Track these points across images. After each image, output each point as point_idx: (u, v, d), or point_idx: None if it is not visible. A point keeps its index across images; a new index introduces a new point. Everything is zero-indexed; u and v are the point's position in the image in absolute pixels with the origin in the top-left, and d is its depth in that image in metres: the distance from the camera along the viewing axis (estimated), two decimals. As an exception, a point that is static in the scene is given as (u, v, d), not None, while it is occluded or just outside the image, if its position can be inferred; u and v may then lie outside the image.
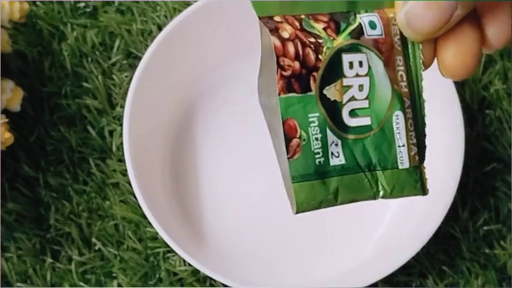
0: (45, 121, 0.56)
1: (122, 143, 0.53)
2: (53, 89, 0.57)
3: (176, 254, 0.52)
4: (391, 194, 0.33)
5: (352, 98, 0.32)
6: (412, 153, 0.33)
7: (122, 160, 0.55)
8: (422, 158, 0.33)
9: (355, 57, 0.32)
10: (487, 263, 0.54)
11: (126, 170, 0.51)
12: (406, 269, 0.52)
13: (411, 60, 0.33)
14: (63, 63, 0.57)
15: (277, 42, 0.31)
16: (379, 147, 0.32)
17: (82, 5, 0.59)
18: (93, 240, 0.54)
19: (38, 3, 0.58)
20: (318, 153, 0.31)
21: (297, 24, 0.31)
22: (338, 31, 0.32)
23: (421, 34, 0.31)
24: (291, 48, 0.31)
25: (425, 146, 0.33)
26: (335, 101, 0.31)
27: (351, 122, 0.32)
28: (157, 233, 0.52)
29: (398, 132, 0.32)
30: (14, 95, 0.53)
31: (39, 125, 0.56)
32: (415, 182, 0.33)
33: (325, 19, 0.32)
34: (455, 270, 0.54)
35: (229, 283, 0.49)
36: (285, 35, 0.31)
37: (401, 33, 0.32)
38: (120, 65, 0.58)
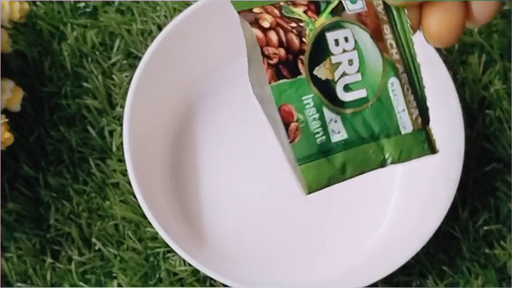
0: (45, 121, 0.56)
1: (122, 143, 0.53)
2: (53, 89, 0.57)
3: (176, 254, 0.52)
4: (399, 159, 0.33)
5: (344, 74, 0.32)
6: (414, 117, 0.33)
7: (122, 160, 0.55)
8: (426, 120, 0.34)
9: (339, 34, 0.32)
10: (487, 263, 0.54)
11: (126, 170, 0.51)
12: (406, 269, 0.52)
13: (398, 26, 0.33)
14: (63, 63, 0.57)
15: (259, 33, 0.32)
16: (379, 116, 0.33)
17: (82, 5, 0.59)
18: (93, 240, 0.54)
19: (38, 3, 0.58)
20: (318, 132, 0.32)
21: (277, 12, 0.32)
22: (318, 12, 0.32)
23: None
24: (273, 36, 0.32)
25: (427, 108, 0.34)
26: (327, 79, 0.32)
27: (346, 97, 0.32)
28: (157, 233, 0.52)
29: (396, 99, 0.33)
30: (14, 95, 0.53)
31: (39, 125, 0.56)
32: (421, 143, 0.33)
33: (304, 2, 0.32)
34: (455, 270, 0.54)
35: (229, 283, 0.49)
36: (266, 24, 0.32)
37: (383, 2, 0.33)
38: (120, 65, 0.58)
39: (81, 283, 0.53)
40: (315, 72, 0.32)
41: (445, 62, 0.53)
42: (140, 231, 0.54)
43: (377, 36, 0.33)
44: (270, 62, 0.31)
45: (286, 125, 0.31)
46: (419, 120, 0.33)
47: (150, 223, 0.50)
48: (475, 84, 0.57)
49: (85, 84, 0.57)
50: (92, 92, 0.57)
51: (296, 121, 0.32)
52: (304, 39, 0.32)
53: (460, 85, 0.57)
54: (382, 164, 0.33)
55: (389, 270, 0.49)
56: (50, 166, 0.55)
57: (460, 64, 0.58)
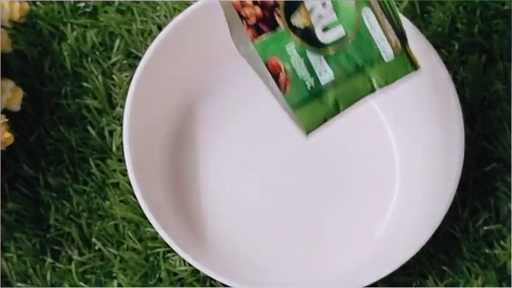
0: (45, 121, 0.56)
1: (122, 143, 0.53)
2: (53, 89, 0.57)
3: (176, 254, 0.52)
4: (386, 83, 0.36)
5: (320, 17, 0.35)
6: (394, 44, 0.36)
7: (122, 160, 0.55)
8: (404, 41, 0.36)
9: None
10: (487, 263, 0.54)
11: (126, 170, 0.51)
12: (406, 269, 0.52)
13: None
14: (63, 63, 0.57)
15: None
16: (361, 49, 0.35)
17: (82, 5, 0.59)
18: (93, 240, 0.54)
19: (38, 3, 0.58)
20: (306, 77, 0.34)
21: None
22: None
23: None
24: None
25: (403, 32, 0.36)
26: (305, 26, 0.34)
27: (327, 37, 0.35)
28: (157, 233, 0.52)
29: (373, 28, 0.35)
30: (14, 95, 0.53)
31: (39, 125, 0.56)
32: (404, 65, 0.37)
33: None
34: (455, 270, 0.54)
35: (229, 283, 0.49)
36: None
37: None
38: (120, 65, 0.58)
39: (81, 283, 0.53)
40: (292, 22, 0.34)
41: (445, 62, 0.53)
42: (140, 231, 0.54)
43: None
44: (249, 22, 0.34)
45: (276, 77, 0.34)
46: (399, 44, 0.36)
47: (150, 223, 0.50)
48: (475, 84, 0.57)
49: (85, 84, 0.57)
50: (92, 92, 0.57)
51: (284, 71, 0.34)
52: None
53: (460, 85, 0.57)
54: (372, 90, 0.36)
55: (389, 270, 0.50)
56: (50, 166, 0.56)
57: (460, 64, 0.58)
